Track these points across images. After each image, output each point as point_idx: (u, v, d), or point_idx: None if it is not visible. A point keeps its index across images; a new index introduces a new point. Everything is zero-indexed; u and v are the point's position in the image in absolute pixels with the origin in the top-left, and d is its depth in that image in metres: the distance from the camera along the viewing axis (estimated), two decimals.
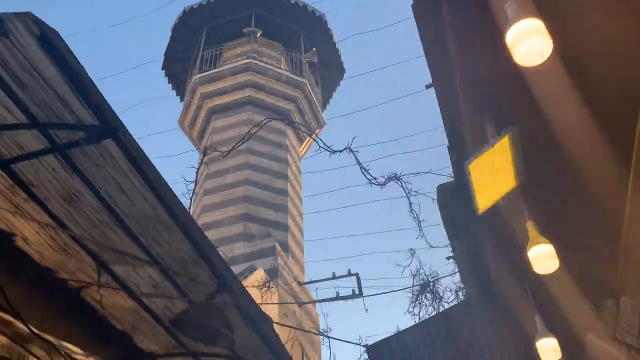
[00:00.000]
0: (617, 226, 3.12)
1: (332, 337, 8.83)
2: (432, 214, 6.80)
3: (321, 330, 11.04)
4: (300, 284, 13.48)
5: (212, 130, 15.71)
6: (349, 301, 12.11)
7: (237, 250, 12.51)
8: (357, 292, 12.34)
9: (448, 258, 7.09)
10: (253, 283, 11.45)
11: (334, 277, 13.14)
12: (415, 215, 6.48)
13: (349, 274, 12.96)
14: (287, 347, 12.01)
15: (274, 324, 4.48)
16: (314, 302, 12.35)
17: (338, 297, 12.22)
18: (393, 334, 4.58)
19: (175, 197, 3.20)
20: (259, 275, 10.46)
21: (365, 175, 6.77)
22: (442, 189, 5.60)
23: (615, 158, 2.64)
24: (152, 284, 4.20)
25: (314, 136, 13.03)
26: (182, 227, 3.35)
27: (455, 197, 5.08)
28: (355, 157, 6.64)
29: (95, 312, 4.55)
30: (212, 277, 3.70)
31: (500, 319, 4.46)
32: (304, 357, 10.65)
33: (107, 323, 4.77)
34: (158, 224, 3.42)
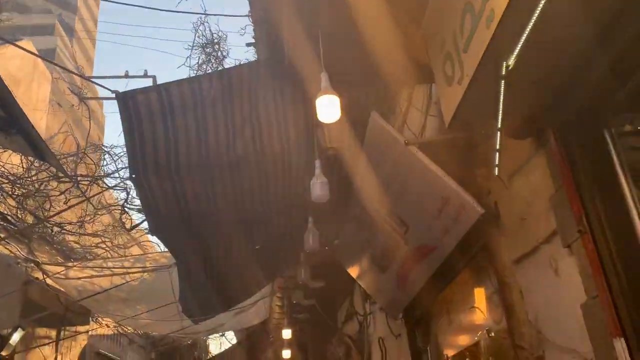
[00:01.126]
0: None
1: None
2: None
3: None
4: (87, 78, 11.73)
5: None
6: None
7: (4, 22, 10.15)
8: None
9: (248, 45, 6.32)
10: (14, 54, 9.45)
11: (126, 76, 11.60)
12: None
13: (145, 75, 11.64)
14: (59, 140, 10.61)
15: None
16: (99, 98, 10.88)
17: None
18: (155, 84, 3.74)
19: None
20: (24, 46, 8.55)
21: None
22: None
23: None
24: None
25: None
26: None
27: None
28: None
29: None
30: None
31: (285, 80, 3.94)
32: (79, 152, 9.53)
33: None
34: None
